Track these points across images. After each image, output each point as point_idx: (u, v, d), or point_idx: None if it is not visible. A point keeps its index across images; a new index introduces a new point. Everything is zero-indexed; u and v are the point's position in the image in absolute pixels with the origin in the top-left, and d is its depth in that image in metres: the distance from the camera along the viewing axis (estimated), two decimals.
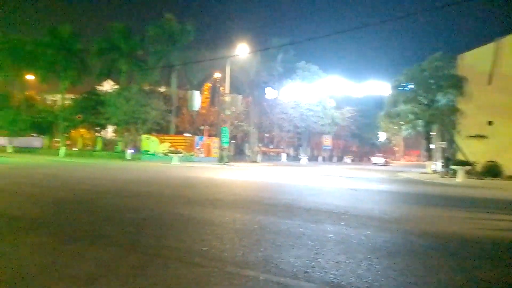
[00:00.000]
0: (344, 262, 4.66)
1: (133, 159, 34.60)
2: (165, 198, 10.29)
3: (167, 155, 32.97)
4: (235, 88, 39.47)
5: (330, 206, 9.48)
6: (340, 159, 64.70)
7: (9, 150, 42.71)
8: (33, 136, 48.42)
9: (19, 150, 43.00)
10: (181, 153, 32.14)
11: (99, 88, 47.35)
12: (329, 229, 6.67)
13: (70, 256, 4.54)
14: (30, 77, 45.33)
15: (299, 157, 50.72)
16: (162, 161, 32.59)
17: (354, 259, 4.79)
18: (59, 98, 46.91)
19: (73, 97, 46.74)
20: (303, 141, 53.90)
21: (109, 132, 51.83)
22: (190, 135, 40.42)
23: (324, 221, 7.40)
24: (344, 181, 19.31)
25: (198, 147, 35.69)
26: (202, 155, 35.72)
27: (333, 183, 17.77)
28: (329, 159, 62.50)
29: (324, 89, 45.91)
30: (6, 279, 3.73)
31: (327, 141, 56.93)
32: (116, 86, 43.93)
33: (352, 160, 63.07)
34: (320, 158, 59.58)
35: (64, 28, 42.19)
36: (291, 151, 56.55)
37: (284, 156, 50.94)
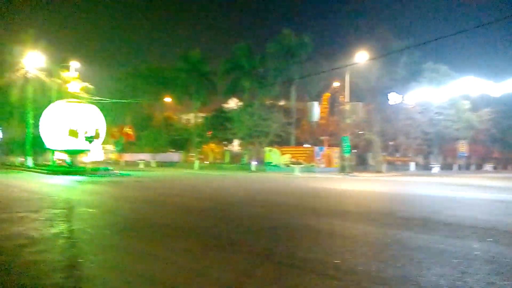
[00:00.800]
0: (499, 283, 4.10)
1: (257, 170, 36.26)
2: (292, 208, 10.52)
3: (289, 166, 33.72)
4: (355, 96, 38.54)
5: (474, 220, 8.47)
6: (479, 167, 57.34)
7: (153, 164, 48.88)
8: (171, 151, 54.56)
9: (161, 164, 48.88)
10: (301, 164, 32.55)
11: (225, 105, 51.22)
12: (474, 246, 5.95)
13: (214, 262, 4.97)
14: (167, 99, 51.42)
15: (430, 166, 46.60)
16: (284, 172, 33.43)
17: (511, 282, 4.18)
18: (192, 117, 52.06)
19: (203, 115, 51.50)
20: (434, 148, 49.41)
21: (235, 145, 55.44)
22: (310, 146, 40.65)
23: (468, 237, 6.63)
24: (486, 191, 17.06)
25: (318, 158, 35.67)
26: (323, 165, 35.56)
27: (474, 193, 15.83)
28: (466, 167, 55.90)
29: (456, 90, 41.56)
30: (168, 281, 4.26)
31: (462, 147, 51.09)
32: (240, 103, 46.90)
33: (494, 168, 55.33)
34: (455, 167, 53.74)
35: (194, 53, 46.93)
36: (420, 160, 52.31)
37: (412, 165, 47.43)
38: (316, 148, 36.97)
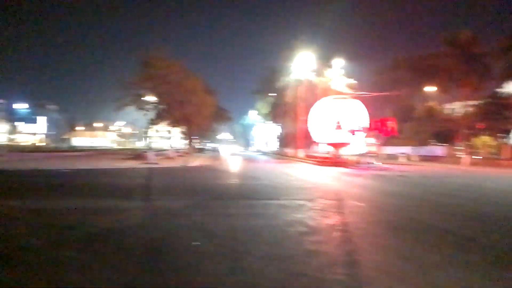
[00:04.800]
0: None
1: None
2: None
3: None
4: None
5: None
6: None
7: (414, 158, 46.36)
8: (434, 145, 50.26)
9: (423, 158, 45.78)
10: None
11: (502, 90, 42.80)
12: None
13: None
14: (430, 88, 47.43)
15: None
16: None
17: None
18: (459, 106, 46.24)
19: (473, 103, 44.80)
20: None
21: None
22: None
23: None
24: None
25: None
26: None
27: None
28: None
29: None
30: None
31: None
32: None
33: None
34: None
35: (462, 34, 41.28)
36: None
37: None
38: None
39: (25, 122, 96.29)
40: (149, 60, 39.56)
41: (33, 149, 51.46)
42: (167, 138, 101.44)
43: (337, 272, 4.34)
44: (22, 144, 77.43)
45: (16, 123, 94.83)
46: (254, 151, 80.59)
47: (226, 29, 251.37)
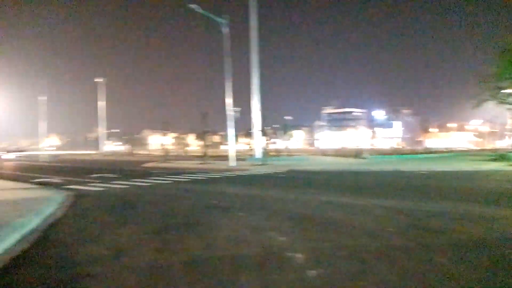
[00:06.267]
0: None
1: None
2: None
3: None
4: None
5: None
6: None
7: None
8: None
9: None
10: None
11: None
12: None
13: None
14: None
15: None
16: None
17: None
18: None
19: None
20: None
21: None
22: None
23: None
24: None
25: None
26: None
27: None
28: None
29: None
30: None
31: None
32: None
33: None
34: None
35: None
36: None
37: None
38: None
39: (383, 128, 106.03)
40: (509, 46, 33.83)
41: (391, 152, 55.66)
42: None
43: None
44: (380, 148, 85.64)
45: (375, 129, 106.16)
46: None
47: None
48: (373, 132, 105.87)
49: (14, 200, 9.64)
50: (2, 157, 51.81)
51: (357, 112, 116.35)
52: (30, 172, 22.64)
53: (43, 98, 65.55)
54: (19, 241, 5.58)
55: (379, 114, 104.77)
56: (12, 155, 55.69)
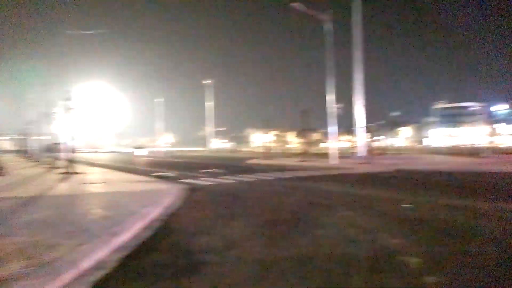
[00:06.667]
0: None
1: None
2: None
3: None
4: None
5: None
6: None
7: None
8: None
9: None
10: None
11: None
12: None
13: None
14: None
15: None
16: None
17: None
18: None
19: None
20: None
21: None
22: None
23: None
24: None
25: None
26: None
27: None
28: None
29: None
30: None
31: None
32: None
33: None
34: None
35: None
36: None
37: None
38: None
39: (506, 123, 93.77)
40: None
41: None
42: None
43: None
44: (501, 146, 75.92)
45: (495, 125, 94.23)
46: None
47: None
48: (493, 128, 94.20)
49: (137, 192, 10.82)
50: (135, 153, 59.55)
51: (475, 106, 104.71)
52: (150, 167, 25.24)
53: (159, 100, 72.25)
54: (145, 229, 6.21)
55: (501, 108, 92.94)
56: (144, 151, 63.15)
